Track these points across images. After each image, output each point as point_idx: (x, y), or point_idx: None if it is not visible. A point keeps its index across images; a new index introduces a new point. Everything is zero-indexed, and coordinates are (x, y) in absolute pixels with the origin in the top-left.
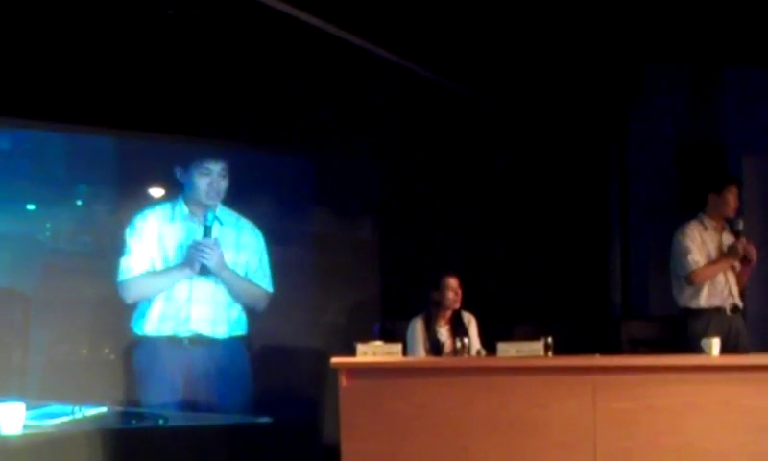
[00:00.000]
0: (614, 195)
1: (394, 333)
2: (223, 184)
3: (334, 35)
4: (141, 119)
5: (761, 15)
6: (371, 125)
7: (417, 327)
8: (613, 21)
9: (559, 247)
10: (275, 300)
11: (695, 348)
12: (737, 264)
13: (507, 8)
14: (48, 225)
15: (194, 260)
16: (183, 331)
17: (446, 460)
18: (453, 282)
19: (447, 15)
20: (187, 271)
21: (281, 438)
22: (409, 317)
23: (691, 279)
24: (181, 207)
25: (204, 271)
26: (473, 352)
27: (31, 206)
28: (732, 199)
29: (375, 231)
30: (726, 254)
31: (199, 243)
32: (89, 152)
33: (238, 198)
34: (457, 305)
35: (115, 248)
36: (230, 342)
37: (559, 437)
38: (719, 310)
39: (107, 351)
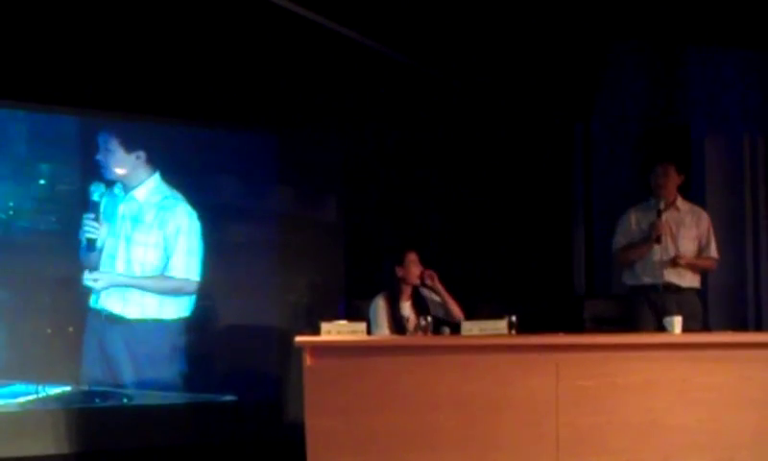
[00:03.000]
0: (579, 174)
1: (358, 312)
2: (113, 158)
3: (296, 12)
4: (105, 99)
5: None
6: (334, 103)
7: (380, 305)
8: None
9: (523, 225)
10: (239, 279)
11: (635, 324)
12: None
13: None
14: (11, 204)
15: (81, 236)
16: (100, 306)
17: (411, 438)
18: (415, 257)
19: None
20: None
21: (246, 416)
22: (373, 296)
23: (614, 260)
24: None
25: (91, 247)
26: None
27: None
28: (653, 178)
29: (339, 210)
30: (647, 236)
31: (83, 219)
32: (53, 131)
33: (200, 176)
34: (419, 280)
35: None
36: (143, 324)
37: (522, 414)
38: (652, 287)
39: (70, 329)
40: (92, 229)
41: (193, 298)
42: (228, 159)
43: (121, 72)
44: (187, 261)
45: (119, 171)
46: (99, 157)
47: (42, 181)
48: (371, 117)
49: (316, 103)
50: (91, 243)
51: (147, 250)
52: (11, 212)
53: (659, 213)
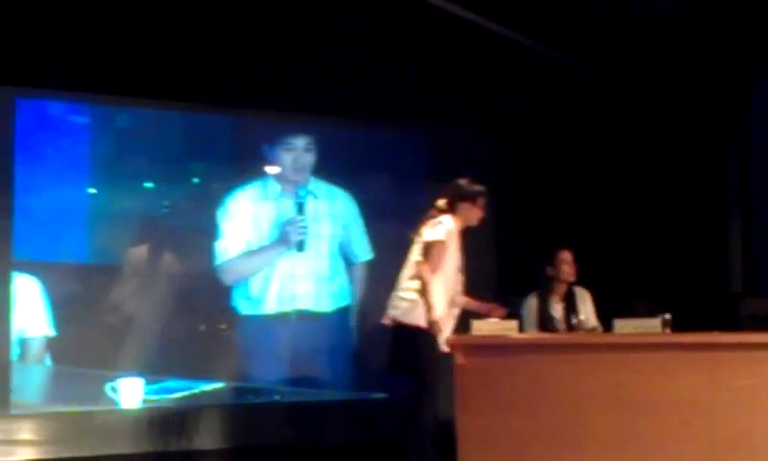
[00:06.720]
0: (734, 163)
1: (510, 308)
2: (308, 158)
3: (449, 11)
4: (258, 98)
5: None
6: (485, 101)
7: (531, 304)
8: None
9: (677, 221)
10: (389, 277)
11: None
12: None
13: None
14: (166, 202)
15: (289, 237)
16: (289, 308)
17: (563, 437)
18: (567, 256)
19: None
20: (282, 248)
21: (396, 413)
22: (524, 293)
23: None
24: (273, 185)
25: (301, 247)
26: (589, 328)
27: (149, 185)
28: None
29: (490, 207)
30: None
31: (294, 220)
32: (207, 130)
33: (353, 173)
34: (572, 278)
35: None
36: (335, 314)
37: (678, 415)
38: None
39: (223, 326)
40: (304, 229)
41: (347, 291)
42: (382, 157)
43: (277, 73)
44: (367, 243)
45: (299, 170)
46: (292, 158)
47: (196, 180)
48: (521, 115)
49: (467, 101)
50: (302, 244)
51: (332, 240)
52: (165, 211)
53: None
